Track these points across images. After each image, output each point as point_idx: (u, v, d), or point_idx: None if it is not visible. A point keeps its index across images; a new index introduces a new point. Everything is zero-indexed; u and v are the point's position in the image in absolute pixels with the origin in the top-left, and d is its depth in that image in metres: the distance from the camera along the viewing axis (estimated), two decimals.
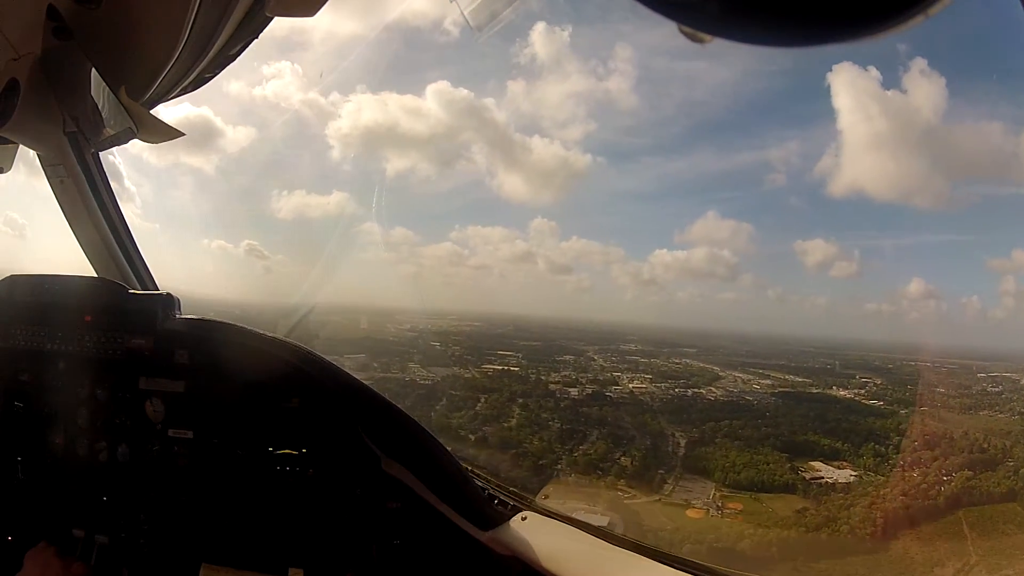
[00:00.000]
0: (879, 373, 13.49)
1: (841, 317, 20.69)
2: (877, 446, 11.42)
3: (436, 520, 2.08)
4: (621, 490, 9.85)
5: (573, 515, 2.16)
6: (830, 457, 11.31)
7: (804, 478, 10.09)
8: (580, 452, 10.80)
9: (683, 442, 11.09)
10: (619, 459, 10.67)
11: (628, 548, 1.97)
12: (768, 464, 10.30)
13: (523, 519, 2.11)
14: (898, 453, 11.35)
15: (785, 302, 20.89)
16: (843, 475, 10.57)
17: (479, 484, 2.19)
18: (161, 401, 2.12)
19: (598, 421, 11.70)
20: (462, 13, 1.77)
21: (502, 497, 2.20)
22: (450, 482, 2.11)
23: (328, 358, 2.08)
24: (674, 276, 21.14)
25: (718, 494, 9.82)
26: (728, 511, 9.50)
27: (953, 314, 18.55)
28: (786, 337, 17.68)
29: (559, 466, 10.73)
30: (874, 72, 16.23)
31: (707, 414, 12.35)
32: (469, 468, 2.22)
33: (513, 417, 11.74)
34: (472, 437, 10.87)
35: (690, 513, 9.50)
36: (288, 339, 2.13)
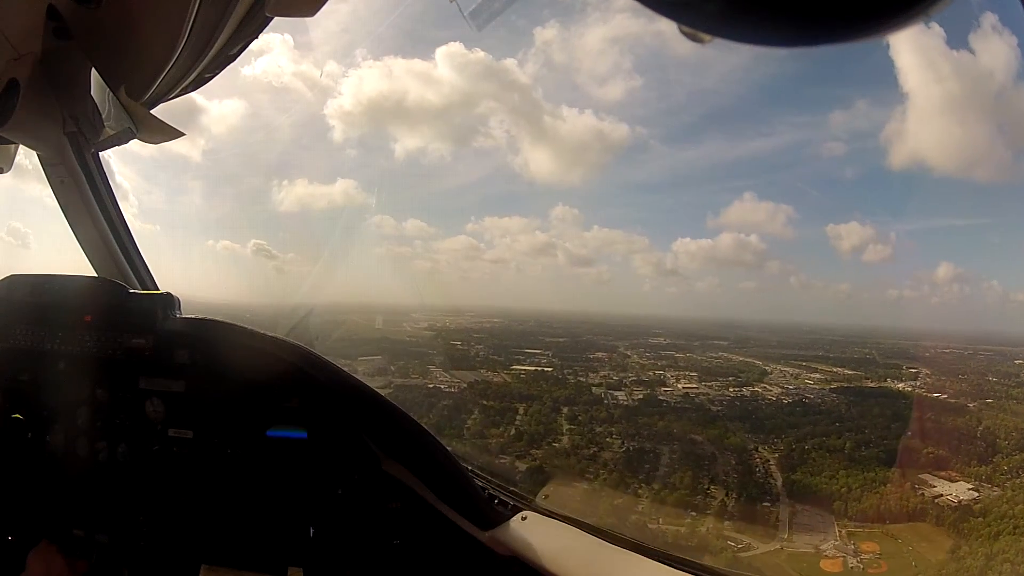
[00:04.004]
0: (922, 362, 12.20)
1: (863, 303, 19.38)
2: (973, 448, 10.21)
3: (436, 520, 2.07)
4: (730, 539, 7.75)
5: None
6: (935, 467, 9.65)
7: (925, 498, 8.27)
8: (662, 485, 8.64)
9: (772, 459, 9.13)
10: (708, 490, 8.59)
11: (628, 548, 1.93)
12: (885, 485, 8.40)
13: (523, 519, 2.09)
14: (999, 456, 10.22)
15: (809, 289, 19.41)
16: (961, 490, 8.81)
17: (479, 484, 2.17)
18: (161, 401, 2.12)
19: (664, 436, 9.66)
20: (462, 14, 1.80)
21: (502, 497, 2.17)
22: (450, 482, 2.09)
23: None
24: (698, 265, 19.45)
25: (843, 531, 7.88)
26: (867, 556, 7.55)
27: (975, 298, 17.33)
28: (811, 326, 17.08)
29: (640, 507, 8.54)
30: (937, 28, 14.57)
31: (779, 419, 10.64)
32: (469, 468, 2.20)
33: (563, 433, 9.64)
34: (521, 467, 8.59)
35: (825, 566, 7.49)
36: (288, 338, 2.09)
